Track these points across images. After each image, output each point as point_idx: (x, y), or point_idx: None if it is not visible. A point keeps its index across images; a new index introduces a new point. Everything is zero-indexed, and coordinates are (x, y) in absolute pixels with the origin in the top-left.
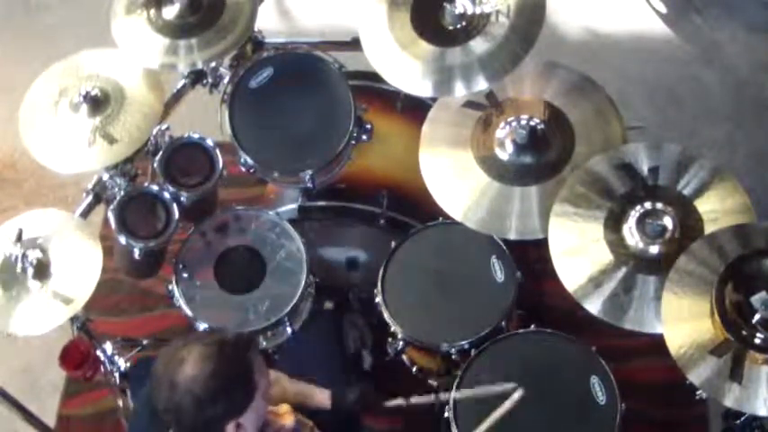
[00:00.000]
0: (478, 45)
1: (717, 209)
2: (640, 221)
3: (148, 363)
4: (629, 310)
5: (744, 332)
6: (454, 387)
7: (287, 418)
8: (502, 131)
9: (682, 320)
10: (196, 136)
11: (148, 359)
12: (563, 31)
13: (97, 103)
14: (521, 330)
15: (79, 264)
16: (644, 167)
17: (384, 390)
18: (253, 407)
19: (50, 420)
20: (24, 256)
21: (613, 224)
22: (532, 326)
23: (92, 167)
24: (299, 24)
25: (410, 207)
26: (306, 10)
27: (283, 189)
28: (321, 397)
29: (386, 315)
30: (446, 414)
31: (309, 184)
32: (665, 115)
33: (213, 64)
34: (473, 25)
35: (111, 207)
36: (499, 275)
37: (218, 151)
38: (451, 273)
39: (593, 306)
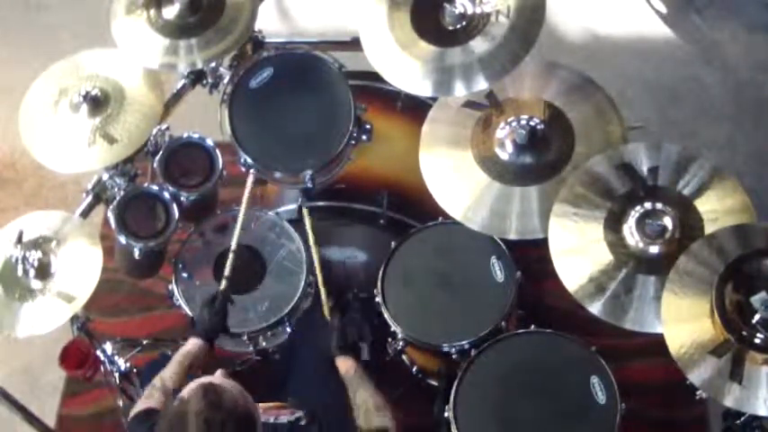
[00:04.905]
0: (478, 45)
1: (717, 209)
2: (640, 221)
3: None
4: (630, 311)
5: (744, 332)
6: None
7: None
8: (502, 131)
9: (682, 320)
10: (196, 136)
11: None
12: (563, 31)
13: (97, 103)
14: (521, 330)
15: (79, 264)
16: (644, 167)
17: (384, 390)
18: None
19: (50, 420)
20: (25, 257)
21: (613, 224)
22: (532, 326)
23: (92, 167)
24: (299, 24)
25: (410, 207)
26: (306, 10)
27: (283, 189)
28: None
29: (386, 315)
30: (446, 414)
31: (309, 184)
32: (665, 115)
33: (213, 64)
34: (473, 25)
35: (111, 207)
36: (499, 275)
37: (218, 151)
38: (451, 273)
39: (594, 306)
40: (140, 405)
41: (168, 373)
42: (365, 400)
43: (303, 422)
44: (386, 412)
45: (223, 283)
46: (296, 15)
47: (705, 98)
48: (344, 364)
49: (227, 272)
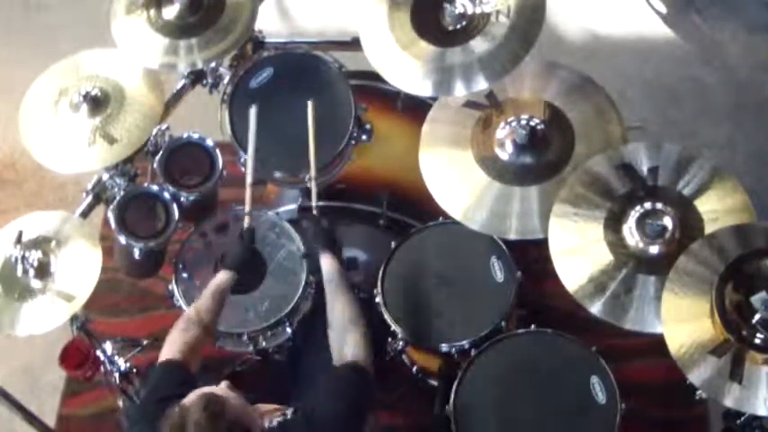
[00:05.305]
0: (478, 45)
1: (717, 209)
2: (640, 221)
3: None
4: (630, 311)
5: (744, 332)
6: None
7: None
8: (502, 131)
9: (682, 320)
10: (196, 136)
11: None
12: (563, 31)
13: (97, 103)
14: (521, 330)
15: (79, 264)
16: (644, 167)
17: (384, 390)
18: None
19: (50, 420)
20: (25, 257)
21: (613, 224)
22: (532, 326)
23: (92, 167)
24: (299, 24)
25: (410, 207)
26: (306, 10)
27: (283, 189)
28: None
29: (386, 315)
30: (446, 414)
31: (309, 184)
32: (665, 115)
33: (213, 64)
34: (473, 25)
35: (111, 207)
36: (499, 275)
37: (218, 151)
38: (451, 273)
39: (594, 306)
40: (174, 341)
41: (203, 306)
42: (341, 311)
43: (289, 416)
44: (358, 329)
45: (246, 220)
46: (296, 15)
47: (705, 98)
48: (328, 262)
49: (247, 208)
